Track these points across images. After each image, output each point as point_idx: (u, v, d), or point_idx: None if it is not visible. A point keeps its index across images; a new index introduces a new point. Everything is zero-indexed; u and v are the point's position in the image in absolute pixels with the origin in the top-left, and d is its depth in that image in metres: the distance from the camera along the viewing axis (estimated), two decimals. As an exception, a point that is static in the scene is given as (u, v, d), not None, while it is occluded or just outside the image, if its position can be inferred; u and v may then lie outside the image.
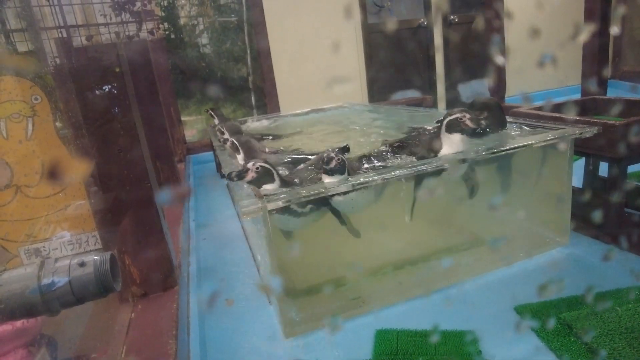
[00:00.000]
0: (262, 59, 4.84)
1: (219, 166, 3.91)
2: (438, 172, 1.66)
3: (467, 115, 1.61)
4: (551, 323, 1.44)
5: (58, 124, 1.52)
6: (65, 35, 1.88)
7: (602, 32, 2.54)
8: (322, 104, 4.08)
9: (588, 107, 2.32)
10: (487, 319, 1.51)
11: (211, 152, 4.21)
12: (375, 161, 1.87)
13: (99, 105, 1.44)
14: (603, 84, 2.75)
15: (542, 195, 1.96)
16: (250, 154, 2.07)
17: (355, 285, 1.71)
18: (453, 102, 5.58)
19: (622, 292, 1.54)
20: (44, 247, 1.51)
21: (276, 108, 4.93)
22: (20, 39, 1.66)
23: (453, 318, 1.54)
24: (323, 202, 1.59)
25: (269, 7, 4.74)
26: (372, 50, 5.25)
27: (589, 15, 2.54)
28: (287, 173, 1.84)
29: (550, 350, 1.33)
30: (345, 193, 1.52)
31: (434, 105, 5.38)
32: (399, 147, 1.96)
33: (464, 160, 1.66)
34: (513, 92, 3.94)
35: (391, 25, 5.35)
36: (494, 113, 1.97)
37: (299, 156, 2.20)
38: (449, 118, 1.65)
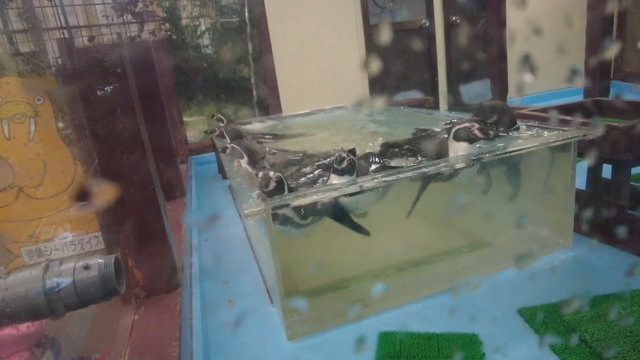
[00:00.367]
0: (263, 59, 4.83)
1: (221, 167, 3.90)
2: (445, 175, 1.65)
3: (476, 125, 1.63)
4: (555, 326, 1.43)
5: (61, 125, 1.52)
6: (67, 36, 1.88)
7: (605, 32, 2.54)
8: (324, 105, 4.07)
9: (591, 108, 2.31)
10: (491, 321, 1.51)
11: (213, 153, 4.21)
12: (380, 162, 1.87)
13: (101, 107, 1.44)
14: (605, 86, 2.75)
15: (546, 197, 1.95)
16: (253, 158, 2.08)
17: (358, 287, 1.71)
18: (455, 103, 5.58)
19: (626, 295, 1.53)
20: (45, 247, 1.50)
21: (278, 108, 4.92)
22: (23, 39, 1.66)
23: (456, 320, 1.53)
24: (327, 213, 1.59)
25: (270, 8, 4.73)
26: (374, 51, 5.24)
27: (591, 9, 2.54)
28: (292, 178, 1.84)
29: (554, 353, 1.32)
30: (352, 194, 1.52)
31: (436, 106, 5.38)
32: (403, 149, 1.96)
33: (473, 162, 1.66)
34: (514, 94, 3.93)
35: (393, 26, 5.34)
36: (503, 115, 1.97)
37: (299, 157, 2.21)
38: (458, 127, 1.66)
